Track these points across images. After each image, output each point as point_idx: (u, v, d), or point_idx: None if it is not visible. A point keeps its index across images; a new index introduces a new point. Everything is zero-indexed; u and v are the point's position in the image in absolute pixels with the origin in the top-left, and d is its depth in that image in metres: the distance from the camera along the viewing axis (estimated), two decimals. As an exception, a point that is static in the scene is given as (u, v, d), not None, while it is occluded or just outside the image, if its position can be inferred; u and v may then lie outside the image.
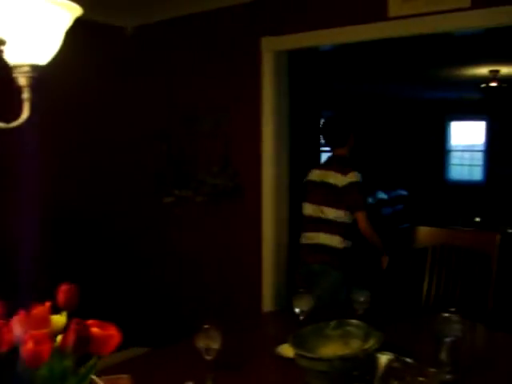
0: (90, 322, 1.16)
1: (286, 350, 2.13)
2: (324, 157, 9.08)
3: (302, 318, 2.39)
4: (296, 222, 3.92)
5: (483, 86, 7.53)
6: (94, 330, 1.14)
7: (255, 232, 4.05)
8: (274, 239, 3.99)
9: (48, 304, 1.22)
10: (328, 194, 3.63)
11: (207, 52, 4.30)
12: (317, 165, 3.99)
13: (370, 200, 9.30)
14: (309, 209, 3.73)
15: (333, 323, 2.13)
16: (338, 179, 3.59)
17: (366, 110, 10.74)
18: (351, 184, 3.58)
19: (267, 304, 4.01)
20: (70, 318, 1.24)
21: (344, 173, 3.59)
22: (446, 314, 2.14)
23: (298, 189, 3.86)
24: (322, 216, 3.65)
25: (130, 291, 4.78)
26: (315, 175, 3.74)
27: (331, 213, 3.63)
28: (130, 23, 4.70)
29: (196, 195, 4.21)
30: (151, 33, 4.67)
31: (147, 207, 4.72)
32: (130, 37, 4.75)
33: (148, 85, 4.72)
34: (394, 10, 3.30)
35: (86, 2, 4.08)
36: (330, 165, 3.77)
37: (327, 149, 10.03)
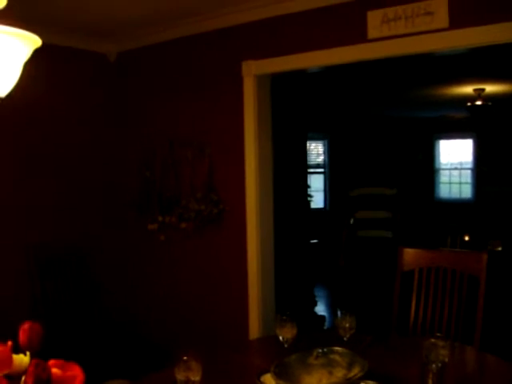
0: (51, 362, 1.12)
1: (269, 380, 2.07)
2: (312, 179, 9.16)
3: (286, 345, 2.34)
4: (282, 246, 3.89)
5: (469, 104, 7.57)
6: (55, 371, 1.09)
7: (240, 257, 4.01)
8: (260, 264, 3.95)
9: (10, 343, 1.17)
10: None
11: (190, 77, 4.30)
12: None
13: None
14: None
15: (316, 352, 2.09)
16: None
17: (355, 131, 10.79)
18: None
19: (254, 331, 3.95)
20: (36, 356, 1.19)
21: None
22: (433, 339, 2.10)
23: (283, 212, 3.84)
24: None
25: (111, 319, 4.70)
26: None
27: None
28: (113, 49, 4.70)
29: (180, 221, 4.17)
30: (134, 58, 4.66)
31: (132, 234, 4.68)
32: (113, 63, 4.75)
33: (131, 110, 4.71)
34: (373, 31, 3.31)
35: (68, 29, 4.13)
36: None
37: (315, 170, 10.13)
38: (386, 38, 3.27)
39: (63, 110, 4.40)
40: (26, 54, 1.21)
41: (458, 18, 3.04)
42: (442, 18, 3.06)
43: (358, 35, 3.38)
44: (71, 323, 4.27)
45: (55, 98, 4.27)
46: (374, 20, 3.28)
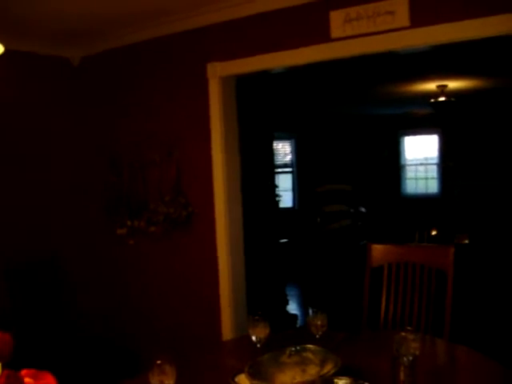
0: (24, 371, 1.11)
1: (244, 381, 2.09)
2: (280, 178, 9.20)
3: (259, 345, 2.35)
4: (252, 246, 3.89)
5: (432, 100, 7.68)
6: (27, 380, 1.08)
7: (211, 259, 4.01)
8: (230, 265, 3.96)
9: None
10: None
11: (156, 79, 4.28)
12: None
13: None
14: None
15: (289, 350, 2.10)
16: None
17: (321, 129, 10.86)
18: None
19: (226, 331, 3.96)
20: (8, 367, 1.18)
21: None
22: (403, 333, 2.14)
23: (252, 213, 3.85)
24: None
25: (82, 325, 4.67)
26: None
27: None
28: (77, 53, 4.66)
29: (149, 225, 4.14)
30: (98, 62, 4.63)
31: (101, 239, 4.64)
32: (77, 67, 4.71)
33: (96, 114, 4.67)
34: (336, 31, 3.34)
35: (31, 33, 4.08)
36: None
37: (283, 170, 10.18)
38: (349, 37, 3.30)
39: (26, 115, 4.35)
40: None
41: (419, 17, 3.08)
42: (402, 17, 3.10)
43: (322, 35, 3.40)
44: (42, 331, 4.23)
45: (17, 104, 4.21)
46: (337, 20, 3.32)
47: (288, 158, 10.68)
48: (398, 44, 3.23)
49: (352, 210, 10.11)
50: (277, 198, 6.08)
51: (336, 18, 3.32)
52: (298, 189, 10.69)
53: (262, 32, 3.69)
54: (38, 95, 4.44)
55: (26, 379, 1.09)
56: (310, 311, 2.52)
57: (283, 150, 10.57)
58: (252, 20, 3.71)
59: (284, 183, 10.20)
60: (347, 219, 9.85)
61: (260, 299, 4.78)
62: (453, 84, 7.33)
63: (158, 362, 1.94)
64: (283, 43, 3.59)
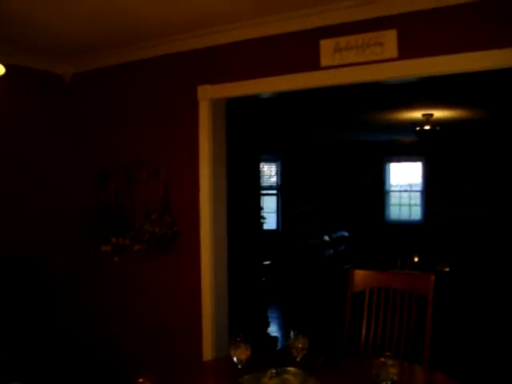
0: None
1: (224, 401, 2.10)
2: (265, 200, 9.24)
3: (240, 366, 2.37)
4: (235, 268, 3.91)
5: (418, 128, 7.78)
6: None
7: (194, 279, 4.02)
8: (214, 286, 3.97)
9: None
10: None
11: (145, 99, 4.32)
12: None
13: (313, 241, 9.43)
14: None
15: (269, 372, 2.13)
16: None
17: (307, 153, 10.94)
18: None
19: (207, 352, 3.96)
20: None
21: None
22: (382, 359, 2.17)
23: (237, 234, 3.87)
24: None
25: (63, 343, 4.65)
26: None
27: None
28: (69, 70, 4.69)
29: (134, 243, 4.15)
30: (90, 80, 4.66)
31: (84, 254, 4.64)
32: (69, 83, 4.74)
33: (86, 131, 4.70)
34: (325, 60, 3.40)
35: (24, 49, 4.10)
36: None
37: (268, 192, 10.22)
38: (338, 66, 3.37)
39: (16, 129, 4.36)
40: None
41: (407, 49, 3.16)
42: (391, 48, 3.17)
43: (311, 63, 3.46)
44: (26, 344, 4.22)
45: (7, 117, 4.22)
46: (327, 48, 3.38)
47: (273, 180, 10.73)
48: (386, 74, 3.30)
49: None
50: (261, 220, 6.11)
51: (326, 46, 3.39)
52: (281, 211, 10.73)
53: (252, 57, 3.75)
54: (28, 109, 4.45)
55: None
56: (292, 333, 2.55)
57: (269, 172, 10.63)
58: (243, 45, 3.77)
59: (269, 205, 10.24)
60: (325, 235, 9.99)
61: (241, 321, 4.79)
62: (438, 113, 7.45)
63: (140, 380, 1.96)
64: (274, 69, 3.65)
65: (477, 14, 2.97)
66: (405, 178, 11.91)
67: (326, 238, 9.95)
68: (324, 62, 3.41)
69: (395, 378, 2.13)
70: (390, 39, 3.18)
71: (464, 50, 3.01)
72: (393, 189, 11.99)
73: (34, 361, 4.11)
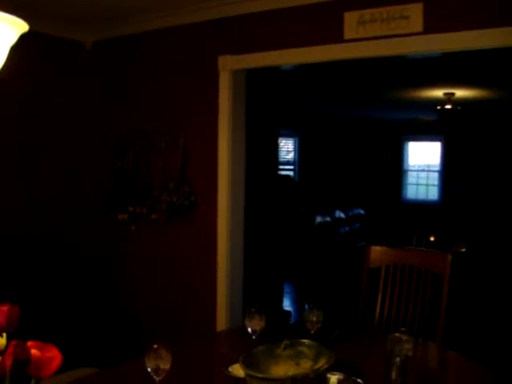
0: (29, 343, 1.13)
1: (238, 370, 2.11)
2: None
3: (254, 337, 2.38)
4: (251, 239, 3.91)
5: (438, 107, 7.69)
6: (34, 351, 1.11)
7: (210, 250, 4.03)
8: (229, 257, 3.98)
9: (-14, 325, 1.19)
10: None
11: (166, 69, 4.30)
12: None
13: (328, 219, 9.40)
14: None
15: (284, 343, 2.12)
16: None
17: (326, 129, 10.87)
18: None
19: (221, 323, 3.99)
20: (11, 338, 1.21)
21: None
22: (397, 334, 2.17)
23: (254, 206, 3.86)
24: None
25: (80, 310, 4.71)
26: None
27: None
28: (90, 38, 4.67)
29: (151, 212, 4.17)
30: (111, 48, 4.64)
31: (101, 224, 4.66)
32: (89, 51, 4.72)
33: (105, 99, 4.69)
34: (349, 32, 3.36)
35: (45, 16, 4.08)
36: None
37: (286, 167, 10.18)
38: (362, 39, 3.32)
39: (35, 96, 4.37)
40: (12, 38, 1.22)
41: (433, 23, 3.11)
42: (416, 22, 3.12)
43: (335, 35, 3.42)
44: (44, 308, 4.28)
45: (27, 84, 4.23)
46: (351, 21, 3.34)
47: (290, 156, 10.68)
48: (410, 49, 3.25)
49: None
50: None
51: (350, 19, 3.34)
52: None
53: (275, 28, 3.71)
54: (48, 76, 4.44)
55: (32, 350, 1.11)
56: (306, 307, 2.55)
57: (286, 148, 10.57)
58: (266, 15, 3.73)
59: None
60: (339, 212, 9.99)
61: (256, 293, 4.81)
62: (460, 92, 7.34)
63: (155, 346, 1.96)
64: (296, 40, 3.61)
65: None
66: (423, 157, 11.81)
67: (342, 214, 9.93)
68: (347, 34, 3.37)
69: (409, 353, 2.12)
70: (415, 13, 3.12)
71: (490, 25, 2.95)
72: (410, 168, 11.91)
73: (56, 331, 4.15)
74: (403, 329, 2.35)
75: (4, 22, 1.14)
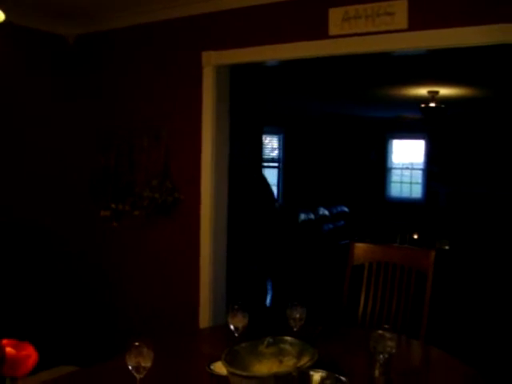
0: (4, 341, 1.10)
1: (220, 368, 2.09)
2: (266, 173, 9.22)
3: (237, 334, 2.36)
4: (235, 236, 3.89)
5: (422, 105, 7.72)
6: (9, 350, 1.08)
7: (193, 246, 4.01)
8: (212, 253, 3.96)
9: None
10: None
11: (149, 64, 4.26)
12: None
13: (312, 216, 9.40)
14: None
15: (267, 340, 2.11)
16: None
17: (310, 127, 10.88)
18: None
19: (204, 320, 3.97)
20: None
21: None
22: (380, 331, 2.16)
23: (237, 203, 3.85)
24: None
25: (59, 306, 4.66)
26: None
27: None
28: (73, 31, 4.62)
29: (134, 209, 4.14)
30: (94, 42, 4.59)
31: (83, 220, 4.62)
32: (72, 45, 4.67)
33: (88, 95, 4.64)
34: (334, 28, 3.34)
35: (27, 9, 4.02)
36: None
37: (270, 164, 10.17)
38: (347, 35, 3.31)
39: (17, 89, 4.31)
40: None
41: (417, 20, 3.10)
42: (401, 19, 3.11)
43: (320, 31, 3.40)
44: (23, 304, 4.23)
45: (7, 76, 4.17)
46: (336, 17, 3.32)
47: (274, 153, 10.67)
48: (394, 45, 3.24)
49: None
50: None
51: (335, 15, 3.33)
52: (282, 184, 10.70)
53: (259, 23, 3.69)
54: (29, 70, 4.38)
55: (7, 349, 1.08)
56: (289, 304, 2.53)
57: (270, 145, 10.56)
58: (250, 11, 3.71)
59: (269, 178, 10.21)
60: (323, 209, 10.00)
61: (239, 291, 4.79)
62: (444, 91, 7.38)
63: (136, 343, 1.94)
64: (280, 36, 3.59)
65: (491, -14, 2.91)
66: (407, 155, 11.87)
67: (326, 212, 9.94)
68: (332, 30, 3.35)
69: (393, 350, 2.12)
70: (400, 9, 3.11)
71: (474, 23, 2.95)
72: (394, 166, 11.95)
73: (34, 328, 4.11)
74: (386, 326, 2.35)
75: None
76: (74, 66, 4.67)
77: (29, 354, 1.11)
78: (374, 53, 3.41)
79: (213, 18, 3.87)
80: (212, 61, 3.87)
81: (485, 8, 2.94)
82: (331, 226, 9.93)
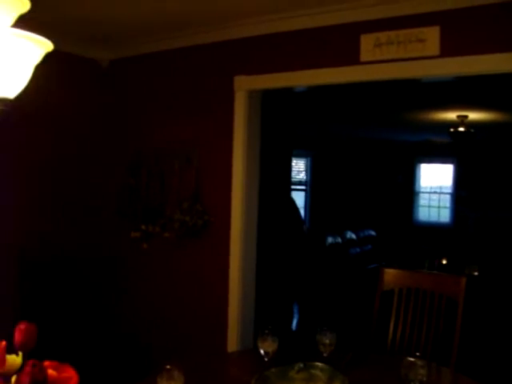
0: (46, 363, 1.13)
1: (250, 393, 2.09)
2: (293, 195, 9.22)
3: (267, 359, 2.36)
4: (263, 260, 3.89)
5: (452, 130, 7.68)
6: (50, 372, 1.10)
7: (223, 268, 4.02)
8: (241, 276, 3.97)
9: (3, 343, 1.19)
10: None
11: (181, 88, 4.32)
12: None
13: (339, 239, 9.36)
14: None
15: (297, 366, 2.11)
16: None
17: (338, 150, 10.88)
18: None
19: (232, 342, 3.96)
20: (27, 357, 1.20)
21: None
22: (412, 359, 2.14)
23: (266, 226, 3.85)
24: None
25: (93, 329, 4.69)
26: None
27: None
28: (106, 56, 4.71)
29: (164, 231, 4.17)
30: (126, 67, 4.68)
31: (115, 241, 4.67)
32: (105, 69, 4.76)
33: (120, 118, 4.72)
34: (366, 54, 3.37)
35: (62, 33, 4.11)
36: None
37: (297, 187, 10.17)
38: (378, 61, 3.33)
39: (52, 113, 4.39)
40: (38, 57, 1.24)
41: (449, 47, 3.11)
42: (433, 45, 3.13)
43: (351, 57, 3.43)
44: (56, 326, 4.27)
45: (43, 101, 4.25)
46: (367, 43, 3.35)
47: (301, 176, 10.67)
48: (426, 72, 3.25)
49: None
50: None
51: (366, 41, 3.36)
52: (309, 207, 10.69)
53: (291, 49, 3.73)
54: (63, 94, 4.46)
55: (49, 370, 1.11)
56: (319, 329, 2.52)
57: (297, 168, 10.56)
58: (282, 36, 3.76)
59: (297, 201, 10.21)
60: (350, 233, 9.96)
61: (267, 315, 4.78)
62: (473, 115, 7.33)
63: (168, 366, 1.95)
64: (312, 62, 3.62)
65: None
66: (435, 179, 11.78)
67: (353, 235, 9.89)
68: (364, 56, 3.38)
69: (424, 378, 2.10)
70: (432, 36, 3.13)
71: (506, 49, 2.95)
72: (422, 190, 11.87)
73: (70, 350, 4.14)
74: (418, 353, 2.32)
75: (30, 41, 1.15)
76: (107, 89, 4.75)
77: (70, 376, 1.13)
78: (405, 79, 3.42)
79: (245, 43, 3.92)
80: (244, 85, 3.91)
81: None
82: (358, 249, 9.86)
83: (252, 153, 4.01)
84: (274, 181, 5.25)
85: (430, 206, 11.79)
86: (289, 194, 5.87)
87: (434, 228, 11.45)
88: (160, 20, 3.88)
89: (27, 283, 4.19)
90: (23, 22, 1.37)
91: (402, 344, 3.07)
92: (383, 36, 3.29)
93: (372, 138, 10.95)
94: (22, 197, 4.21)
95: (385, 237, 10.94)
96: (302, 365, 2.14)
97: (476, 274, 7.35)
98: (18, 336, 1.21)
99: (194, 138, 4.20)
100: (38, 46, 1.18)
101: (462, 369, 2.84)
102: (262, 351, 2.37)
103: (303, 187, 10.64)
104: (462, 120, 7.47)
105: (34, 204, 4.32)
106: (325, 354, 2.44)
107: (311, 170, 10.67)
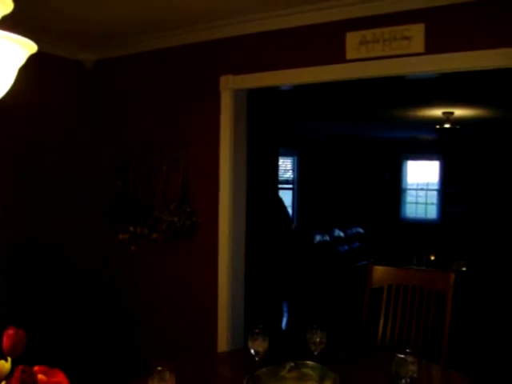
0: (36, 368, 1.12)
1: (241, 393, 2.09)
2: (282, 194, 9.23)
3: (257, 358, 2.36)
4: (253, 259, 3.89)
5: (437, 127, 7.71)
6: (40, 377, 1.09)
7: (211, 269, 4.01)
8: (230, 276, 3.96)
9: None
10: None
11: (167, 88, 4.30)
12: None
13: (327, 237, 9.38)
14: None
15: (288, 365, 2.11)
16: None
17: (325, 148, 10.90)
18: None
19: (223, 343, 3.96)
20: (15, 362, 1.19)
21: None
22: (402, 355, 2.15)
23: (254, 225, 3.85)
24: None
25: (81, 331, 4.67)
26: None
27: None
28: (91, 57, 4.68)
29: (152, 232, 4.15)
30: (111, 67, 4.65)
31: (102, 243, 4.64)
32: (90, 70, 4.73)
33: (106, 119, 4.69)
34: (351, 52, 3.38)
35: (46, 35, 4.08)
36: None
37: (284, 186, 10.18)
38: (364, 59, 3.34)
39: (36, 114, 4.36)
40: (22, 59, 1.22)
41: (434, 44, 3.12)
42: (418, 42, 3.14)
43: (337, 55, 3.44)
44: (44, 330, 4.23)
45: (28, 102, 4.21)
46: (353, 41, 3.35)
47: (288, 175, 10.66)
48: (412, 69, 3.27)
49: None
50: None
51: (352, 39, 3.36)
52: (297, 206, 10.70)
53: (277, 48, 3.73)
54: (47, 95, 4.43)
55: (39, 376, 1.10)
56: (309, 328, 2.52)
57: (284, 166, 10.55)
58: (268, 35, 3.75)
59: (284, 199, 10.20)
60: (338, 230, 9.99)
61: (257, 314, 4.78)
62: (459, 112, 7.37)
63: (159, 368, 1.94)
64: (298, 60, 3.62)
65: (508, 9, 2.93)
66: (422, 176, 11.83)
67: (341, 233, 9.92)
68: (350, 54, 3.39)
69: (415, 375, 2.10)
70: (417, 33, 3.14)
71: (491, 46, 2.97)
72: (409, 187, 11.92)
73: (54, 352, 4.12)
74: (408, 350, 2.33)
75: (14, 43, 1.14)
76: (92, 90, 4.73)
77: (60, 381, 1.12)
78: (391, 76, 3.43)
79: (231, 42, 3.92)
80: (230, 85, 3.90)
81: (500, 32, 2.96)
82: (346, 247, 9.89)
83: (239, 152, 4.00)
84: (262, 180, 5.24)
85: (417, 203, 11.85)
86: (276, 193, 5.85)
87: (421, 224, 11.51)
88: (144, 20, 3.86)
89: (11, 285, 4.15)
90: (4, 23, 1.35)
91: (392, 341, 3.08)
92: (369, 34, 3.30)
93: (358, 136, 10.99)
94: (6, 198, 4.17)
95: (373, 234, 10.98)
96: (292, 364, 2.13)
97: (464, 269, 7.40)
98: (6, 341, 1.19)
99: (181, 138, 4.19)
100: (22, 48, 1.17)
101: (452, 364, 2.86)
102: (252, 351, 2.37)
103: (290, 186, 10.64)
104: (448, 117, 7.50)
105: (20, 205, 4.28)
106: (315, 353, 2.44)
107: (298, 168, 10.67)
